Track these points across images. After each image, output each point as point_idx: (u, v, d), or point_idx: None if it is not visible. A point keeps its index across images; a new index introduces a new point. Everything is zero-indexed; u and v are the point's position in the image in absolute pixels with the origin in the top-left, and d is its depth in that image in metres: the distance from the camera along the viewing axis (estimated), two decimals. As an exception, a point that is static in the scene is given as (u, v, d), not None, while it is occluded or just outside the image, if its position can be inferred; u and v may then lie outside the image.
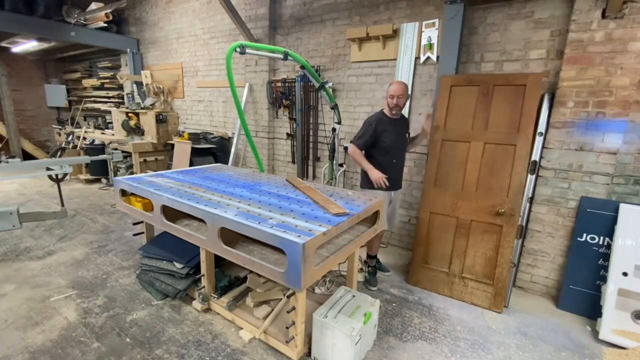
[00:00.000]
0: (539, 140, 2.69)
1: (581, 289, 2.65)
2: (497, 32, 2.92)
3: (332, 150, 3.82)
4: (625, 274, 2.36)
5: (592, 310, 2.57)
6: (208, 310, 2.51)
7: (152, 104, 6.01)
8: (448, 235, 2.85)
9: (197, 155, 4.94)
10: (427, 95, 3.41)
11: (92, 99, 7.86)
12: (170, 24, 5.88)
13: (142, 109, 5.95)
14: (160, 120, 5.72)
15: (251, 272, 2.69)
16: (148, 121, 5.79)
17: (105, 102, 7.54)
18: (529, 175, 2.70)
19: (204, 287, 2.50)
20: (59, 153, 6.14)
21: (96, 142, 6.32)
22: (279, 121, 4.74)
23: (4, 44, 6.80)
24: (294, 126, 4.49)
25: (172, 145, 5.37)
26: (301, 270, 1.64)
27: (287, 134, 4.64)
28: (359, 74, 3.83)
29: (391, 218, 2.99)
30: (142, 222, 3.11)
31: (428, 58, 3.31)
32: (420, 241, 2.98)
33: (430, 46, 3.25)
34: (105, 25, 6.09)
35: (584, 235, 2.63)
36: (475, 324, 2.52)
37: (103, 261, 3.23)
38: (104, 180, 6.23)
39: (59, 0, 5.80)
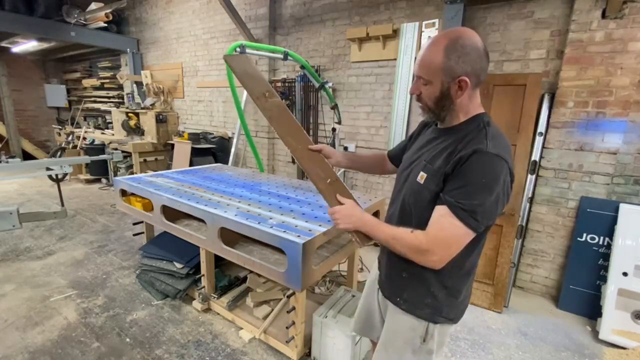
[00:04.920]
0: (538, 140, 2.69)
1: (581, 289, 2.64)
2: (497, 32, 2.92)
3: (332, 150, 3.81)
4: (625, 274, 2.36)
5: (592, 310, 2.57)
6: (208, 310, 2.51)
7: (152, 104, 6.01)
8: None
9: (197, 155, 4.94)
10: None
11: (92, 99, 7.86)
12: (170, 24, 5.88)
13: (142, 109, 5.95)
14: (160, 120, 5.71)
15: (251, 272, 2.69)
16: (148, 121, 5.79)
17: (105, 102, 7.53)
18: (529, 175, 2.70)
19: (204, 287, 2.50)
20: (59, 153, 6.14)
21: (96, 142, 6.32)
22: (279, 121, 4.73)
23: (4, 44, 6.79)
24: (294, 126, 4.48)
25: (172, 145, 5.37)
26: (301, 270, 1.64)
27: (287, 134, 4.63)
28: (359, 74, 3.83)
29: (366, 329, 1.49)
30: (142, 222, 3.11)
31: (428, 58, 3.30)
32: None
33: (430, 46, 3.25)
34: (105, 25, 6.09)
35: (584, 235, 2.63)
36: (475, 324, 2.52)
37: (103, 261, 3.23)
38: (104, 180, 6.23)
39: (59, 0, 5.80)
